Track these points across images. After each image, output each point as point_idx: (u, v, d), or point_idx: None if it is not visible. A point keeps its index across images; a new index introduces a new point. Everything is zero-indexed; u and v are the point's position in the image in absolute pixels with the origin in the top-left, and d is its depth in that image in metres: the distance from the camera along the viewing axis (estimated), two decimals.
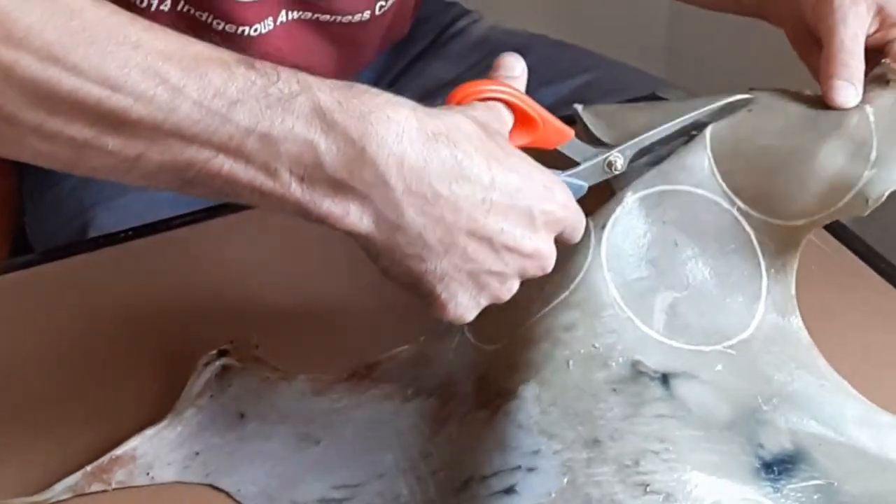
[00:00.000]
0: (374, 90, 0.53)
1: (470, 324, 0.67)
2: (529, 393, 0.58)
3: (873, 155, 0.63)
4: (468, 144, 0.54)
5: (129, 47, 0.49)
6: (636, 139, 0.65)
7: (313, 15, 0.90)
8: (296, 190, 0.52)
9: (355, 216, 0.53)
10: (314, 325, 0.73)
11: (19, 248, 1.01)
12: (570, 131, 0.62)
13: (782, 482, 0.55)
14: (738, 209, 0.65)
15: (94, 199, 0.93)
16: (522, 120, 0.59)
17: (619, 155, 0.64)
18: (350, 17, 0.91)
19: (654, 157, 0.66)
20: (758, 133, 0.66)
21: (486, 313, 0.67)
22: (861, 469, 0.57)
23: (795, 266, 0.64)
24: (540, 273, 0.59)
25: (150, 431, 0.64)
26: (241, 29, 0.86)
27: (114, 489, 0.61)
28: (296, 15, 0.89)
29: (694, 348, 0.61)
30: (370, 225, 0.53)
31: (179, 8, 0.84)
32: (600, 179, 0.64)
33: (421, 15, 1.09)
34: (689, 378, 0.59)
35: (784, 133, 0.66)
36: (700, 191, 0.65)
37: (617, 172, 0.64)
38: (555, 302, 0.62)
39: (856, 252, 0.74)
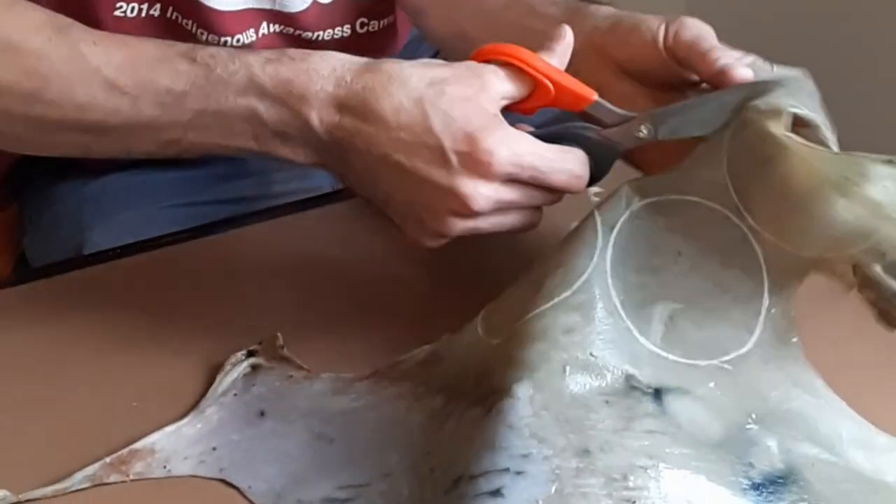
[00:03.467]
0: (302, 52, 0.65)
1: (483, 317, 0.67)
2: (523, 393, 0.58)
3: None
4: (386, 89, 0.63)
5: (90, 72, 0.65)
6: (665, 108, 0.66)
7: (294, 31, 0.91)
8: (253, 146, 0.66)
9: (305, 156, 0.66)
10: (341, 325, 0.74)
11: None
12: (591, 93, 0.66)
13: (771, 502, 0.54)
14: (749, 226, 0.63)
15: (90, 219, 0.94)
16: (535, 83, 0.65)
17: (645, 118, 0.66)
18: (331, 34, 0.93)
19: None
20: (777, 160, 0.62)
21: (498, 306, 0.67)
22: (853, 490, 0.56)
23: (797, 288, 0.62)
24: (468, 213, 0.63)
25: (170, 428, 0.66)
26: (223, 39, 0.88)
27: (131, 480, 0.63)
28: (277, 28, 0.91)
29: (689, 362, 0.61)
30: (320, 160, 0.66)
31: (168, 15, 0.86)
32: (633, 145, 0.66)
33: (419, 34, 1.08)
34: (683, 393, 0.59)
35: (808, 171, 0.61)
36: (711, 203, 0.64)
37: (642, 135, 0.66)
38: (556, 299, 0.62)
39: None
